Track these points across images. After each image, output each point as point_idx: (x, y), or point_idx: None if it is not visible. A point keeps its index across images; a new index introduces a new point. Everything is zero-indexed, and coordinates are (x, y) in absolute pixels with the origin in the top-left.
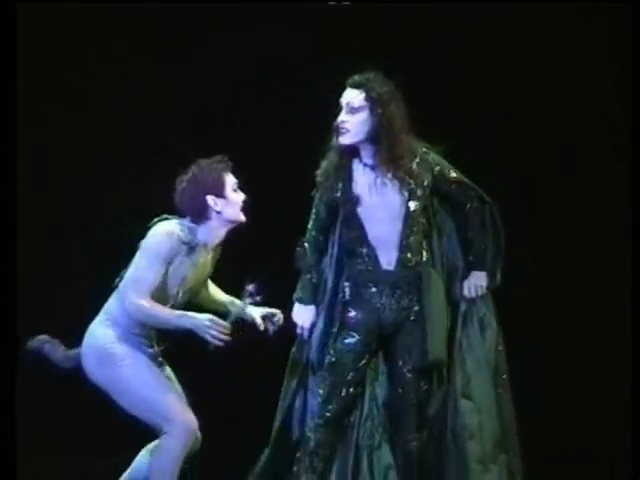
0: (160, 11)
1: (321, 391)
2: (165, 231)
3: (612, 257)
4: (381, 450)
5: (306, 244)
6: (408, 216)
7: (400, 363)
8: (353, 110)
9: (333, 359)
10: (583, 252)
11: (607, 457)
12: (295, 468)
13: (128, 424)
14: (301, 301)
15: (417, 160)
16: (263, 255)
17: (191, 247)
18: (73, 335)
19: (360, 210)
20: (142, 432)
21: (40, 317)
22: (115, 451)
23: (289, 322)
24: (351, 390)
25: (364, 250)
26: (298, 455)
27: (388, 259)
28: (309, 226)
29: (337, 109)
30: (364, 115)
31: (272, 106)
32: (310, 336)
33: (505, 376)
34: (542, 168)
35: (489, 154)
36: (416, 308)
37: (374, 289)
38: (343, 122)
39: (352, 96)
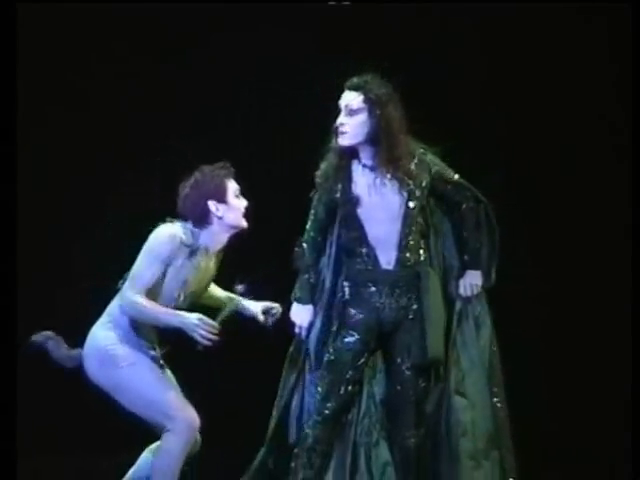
0: (160, 11)
1: (320, 389)
2: (168, 233)
3: (612, 257)
4: (379, 447)
5: (304, 244)
6: (407, 216)
7: (399, 361)
8: (352, 112)
9: (332, 357)
10: (583, 252)
11: (607, 457)
12: (293, 464)
13: (129, 423)
14: (299, 301)
15: (415, 161)
16: (262, 255)
17: (192, 250)
18: (73, 335)
19: (360, 211)
20: (143, 431)
21: (40, 317)
22: (116, 450)
23: (287, 321)
24: (349, 388)
25: (363, 250)
26: (296, 451)
27: (387, 259)
28: (307, 227)
29: (337, 109)
30: (363, 117)
31: (272, 106)
32: (308, 335)
33: (499, 374)
34: (542, 168)
35: (489, 154)
36: (415, 307)
37: (373, 288)
38: (342, 124)
39: (350, 98)
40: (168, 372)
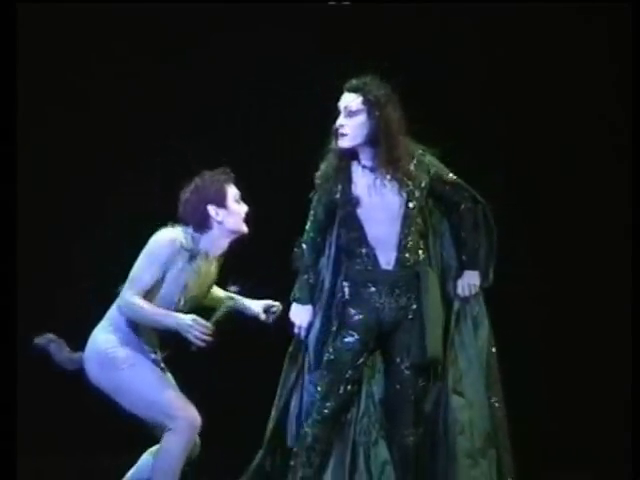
0: (160, 11)
1: (319, 388)
2: (168, 237)
3: (612, 257)
4: (378, 446)
5: (304, 245)
6: (406, 216)
7: (398, 360)
8: (351, 114)
9: (332, 357)
10: (583, 252)
11: (607, 457)
12: (292, 462)
13: (129, 423)
14: (299, 301)
15: (414, 162)
16: (261, 255)
17: (192, 255)
18: (73, 335)
19: (360, 211)
20: (144, 431)
21: (40, 317)
22: (116, 451)
23: (287, 321)
24: (349, 387)
25: (363, 250)
26: (295, 450)
27: (387, 259)
28: (307, 227)
29: (336, 110)
30: (362, 118)
31: (272, 106)
32: (307, 335)
33: (497, 374)
34: (542, 168)
35: (489, 154)
36: (414, 307)
37: (373, 288)
38: (342, 126)
39: (349, 100)
40: (169, 375)
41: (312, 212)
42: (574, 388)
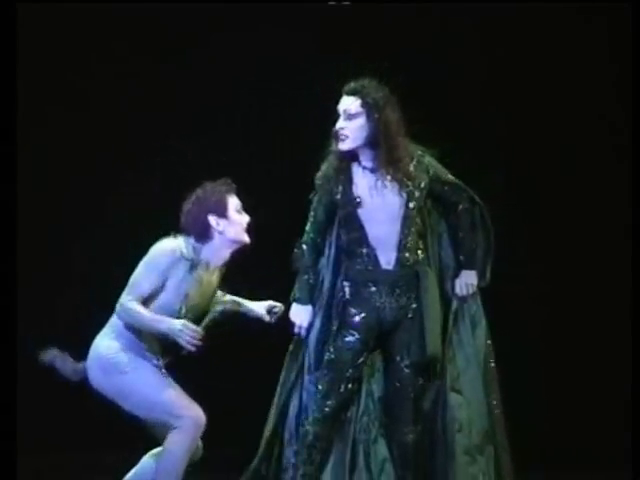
0: (160, 11)
1: (320, 387)
2: (169, 247)
3: (612, 257)
4: (377, 444)
5: (304, 245)
6: (406, 217)
7: (398, 359)
8: (350, 116)
9: (332, 356)
10: (583, 252)
11: (607, 457)
12: (293, 460)
13: (130, 422)
14: (299, 301)
15: (414, 162)
16: (261, 256)
17: (193, 264)
18: (73, 335)
19: (361, 212)
20: (145, 430)
21: (40, 317)
22: (117, 448)
23: (287, 321)
24: (349, 386)
25: (364, 250)
26: (296, 448)
27: (387, 259)
28: (307, 228)
29: (336, 110)
30: (361, 121)
31: (272, 106)
32: (307, 335)
33: (494, 373)
34: (542, 168)
35: (489, 154)
36: (414, 306)
37: (374, 288)
38: (342, 128)
39: (348, 103)
40: (170, 380)
41: (312, 213)
42: (574, 388)
